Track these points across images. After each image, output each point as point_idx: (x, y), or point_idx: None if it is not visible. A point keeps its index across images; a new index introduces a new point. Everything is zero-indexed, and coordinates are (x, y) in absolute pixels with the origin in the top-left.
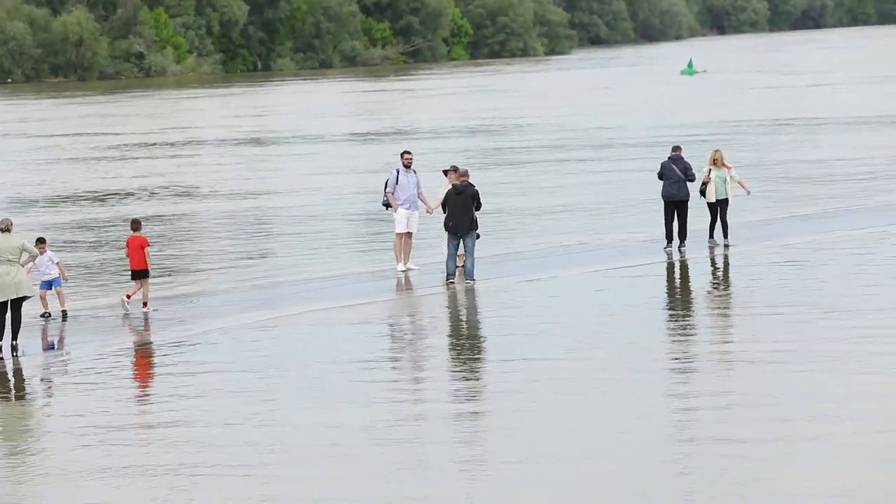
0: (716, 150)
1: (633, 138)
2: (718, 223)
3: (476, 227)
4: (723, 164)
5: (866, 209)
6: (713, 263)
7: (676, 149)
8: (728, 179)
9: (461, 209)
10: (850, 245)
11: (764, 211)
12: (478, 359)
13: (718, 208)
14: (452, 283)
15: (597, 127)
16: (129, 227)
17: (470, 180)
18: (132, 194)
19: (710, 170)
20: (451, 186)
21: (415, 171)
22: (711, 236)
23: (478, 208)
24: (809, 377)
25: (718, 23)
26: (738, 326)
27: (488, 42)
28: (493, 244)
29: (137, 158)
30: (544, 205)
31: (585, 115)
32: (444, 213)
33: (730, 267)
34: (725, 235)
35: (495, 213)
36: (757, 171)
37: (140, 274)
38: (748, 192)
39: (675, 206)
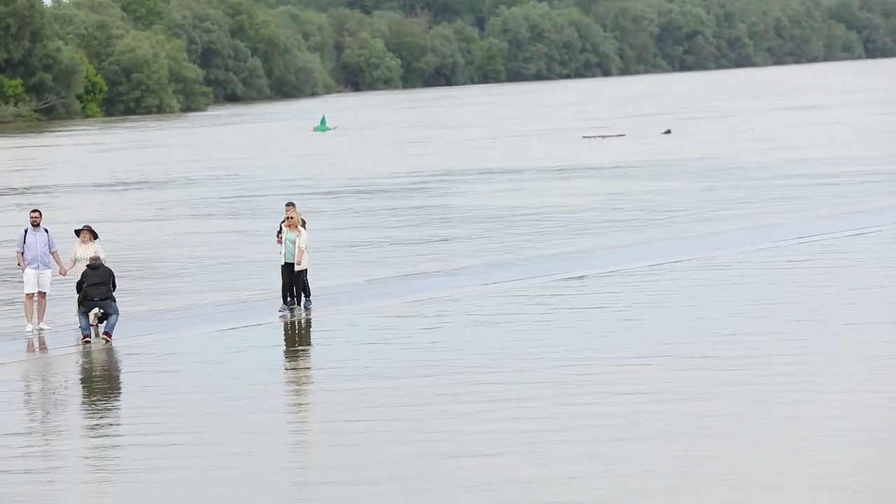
0: (289, 208)
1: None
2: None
3: (112, 298)
4: (296, 227)
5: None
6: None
7: (290, 205)
8: (296, 242)
9: (98, 280)
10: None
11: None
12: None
13: (293, 271)
14: (88, 341)
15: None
16: None
17: (103, 260)
18: None
19: (283, 230)
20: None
21: (45, 230)
22: (285, 300)
23: (114, 288)
24: None
25: (353, 80)
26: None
27: (123, 99)
28: (140, 301)
29: None
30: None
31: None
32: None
33: (303, 332)
34: (306, 296)
35: (143, 266)
36: (381, 218)
37: None
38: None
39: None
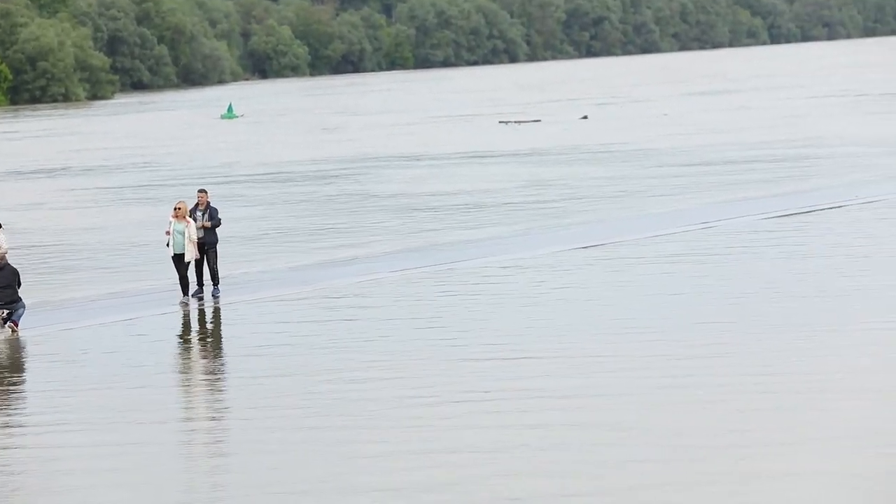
0: (201, 194)
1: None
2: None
3: (18, 298)
4: (184, 218)
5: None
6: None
7: (202, 191)
8: (185, 233)
9: (3, 284)
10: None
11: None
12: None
13: (184, 262)
14: None
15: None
16: None
17: (5, 254)
18: None
19: (171, 222)
20: None
21: None
22: (185, 291)
23: (19, 286)
24: None
25: (261, 67)
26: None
27: (29, 87)
28: (50, 290)
29: None
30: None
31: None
32: None
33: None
34: (214, 284)
35: (54, 255)
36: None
37: None
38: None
39: (203, 251)
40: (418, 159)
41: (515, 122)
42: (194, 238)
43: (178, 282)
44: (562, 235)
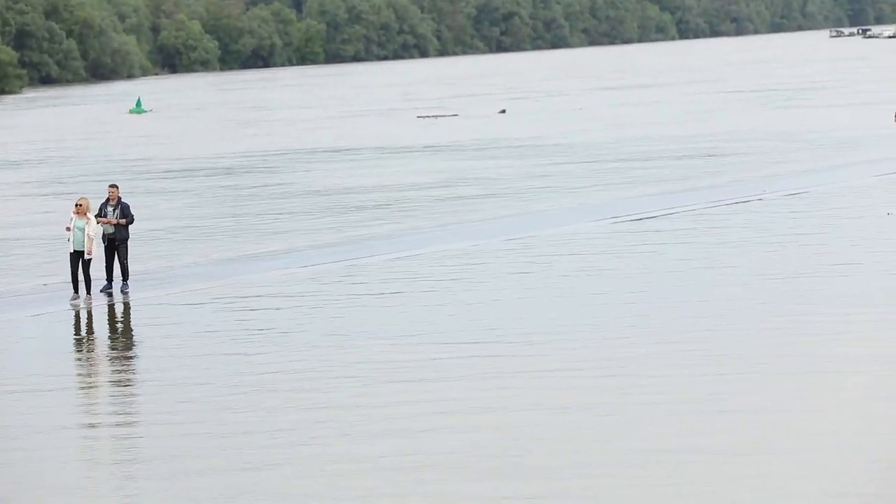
0: (112, 189)
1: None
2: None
3: None
4: (85, 215)
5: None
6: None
7: (113, 186)
8: (85, 230)
9: None
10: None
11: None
12: None
13: (83, 259)
14: None
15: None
16: None
17: None
18: None
19: (73, 218)
20: None
21: None
22: (76, 289)
23: None
24: None
25: (170, 62)
26: None
27: None
28: None
29: None
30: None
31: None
32: None
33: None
34: (124, 279)
35: None
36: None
37: None
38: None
39: (114, 247)
40: (339, 153)
41: (433, 116)
42: (92, 234)
43: (71, 279)
44: (479, 229)
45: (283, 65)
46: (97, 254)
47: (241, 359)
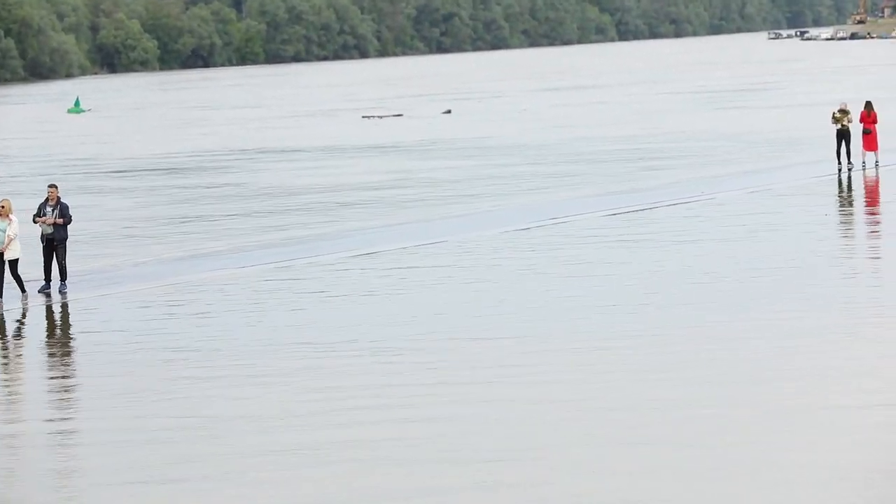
0: (51, 189)
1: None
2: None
3: None
4: (7, 216)
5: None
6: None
7: (52, 187)
8: (6, 231)
9: None
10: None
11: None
12: None
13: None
14: None
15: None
16: None
17: None
18: None
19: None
20: None
21: None
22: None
23: None
24: None
25: (109, 61)
26: None
27: None
28: None
29: None
30: None
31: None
32: None
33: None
34: (62, 279)
35: None
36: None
37: None
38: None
39: (53, 247)
40: (286, 153)
41: (378, 116)
42: (13, 235)
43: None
44: (421, 230)
45: (223, 65)
46: (28, 257)
47: (177, 361)
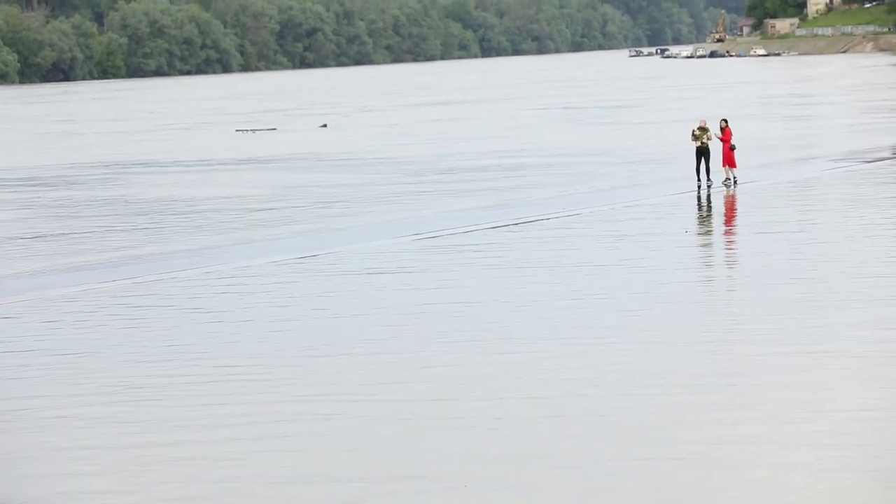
0: None
1: None
2: None
3: None
4: None
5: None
6: None
7: None
8: None
9: None
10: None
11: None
12: None
13: None
14: None
15: None
16: None
17: None
18: None
19: None
20: None
21: None
22: None
23: None
24: None
25: None
26: None
27: None
28: None
29: None
30: None
31: None
32: None
33: None
34: None
35: None
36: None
37: None
38: None
39: None
40: (164, 166)
41: (252, 130)
42: None
43: None
44: (283, 245)
45: (84, 78)
46: None
47: (32, 379)
